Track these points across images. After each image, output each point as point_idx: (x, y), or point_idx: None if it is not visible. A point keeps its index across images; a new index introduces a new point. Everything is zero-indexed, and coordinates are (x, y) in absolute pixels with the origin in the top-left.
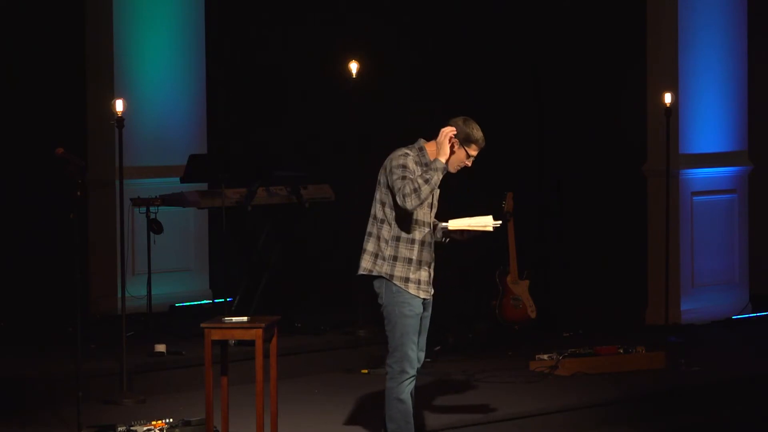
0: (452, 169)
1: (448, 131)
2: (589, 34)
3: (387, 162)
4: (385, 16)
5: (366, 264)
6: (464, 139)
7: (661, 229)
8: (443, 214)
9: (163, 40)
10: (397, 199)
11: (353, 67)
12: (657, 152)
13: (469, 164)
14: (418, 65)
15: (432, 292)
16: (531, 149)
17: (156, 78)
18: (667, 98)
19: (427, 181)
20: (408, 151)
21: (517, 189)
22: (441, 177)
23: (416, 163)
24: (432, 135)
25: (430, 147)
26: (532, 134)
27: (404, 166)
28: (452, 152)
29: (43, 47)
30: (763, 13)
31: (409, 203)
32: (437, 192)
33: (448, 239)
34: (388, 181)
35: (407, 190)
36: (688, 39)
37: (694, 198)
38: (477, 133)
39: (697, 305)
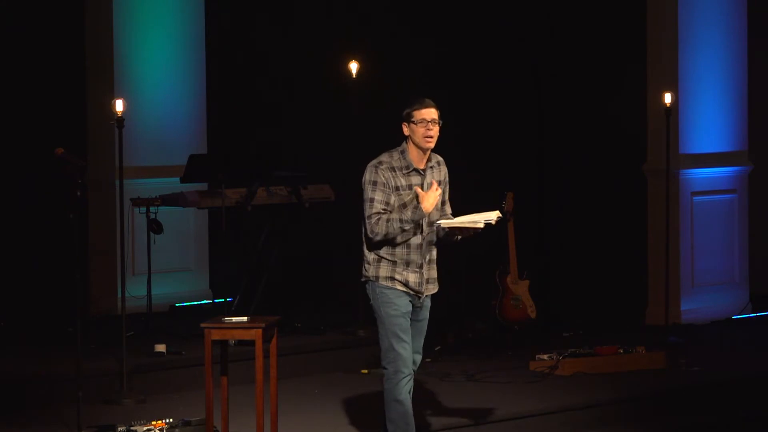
0: (424, 145)
1: (419, 131)
2: (589, 34)
3: (365, 169)
4: (386, 17)
5: (363, 270)
6: (406, 117)
7: (661, 229)
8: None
9: (163, 40)
10: (366, 226)
11: (353, 67)
12: (657, 152)
13: (432, 132)
14: (418, 65)
15: (430, 291)
16: (531, 149)
17: (156, 78)
18: (667, 98)
19: (402, 229)
20: (383, 159)
21: (517, 189)
22: (417, 224)
23: (393, 168)
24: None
25: (410, 147)
26: (532, 134)
27: (374, 183)
28: (409, 135)
29: (43, 47)
30: (763, 13)
31: (375, 238)
32: (438, 192)
33: (458, 237)
34: None
35: (379, 229)
36: (688, 39)
37: (694, 198)
38: (412, 102)
39: (697, 305)
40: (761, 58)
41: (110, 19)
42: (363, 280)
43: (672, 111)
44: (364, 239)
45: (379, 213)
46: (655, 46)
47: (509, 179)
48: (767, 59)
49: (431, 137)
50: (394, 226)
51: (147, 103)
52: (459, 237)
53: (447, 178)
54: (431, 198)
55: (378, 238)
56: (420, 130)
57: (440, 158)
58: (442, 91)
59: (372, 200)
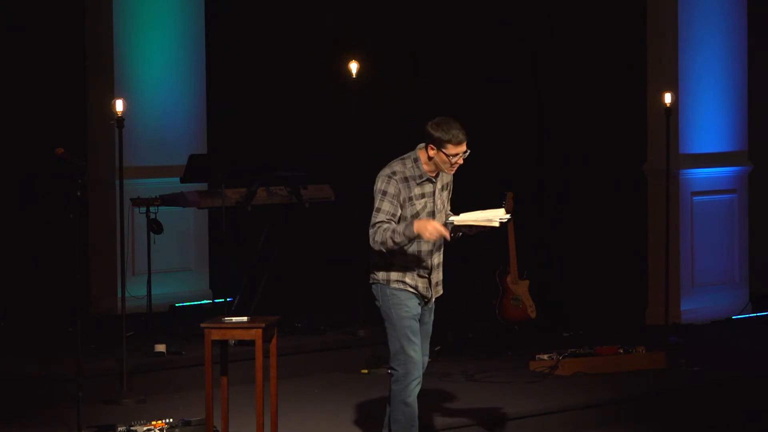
0: (446, 172)
1: (437, 233)
2: (589, 34)
3: (377, 177)
4: (385, 17)
5: (371, 273)
6: (436, 142)
7: (661, 229)
8: (456, 210)
9: (163, 40)
10: (370, 234)
11: (353, 67)
12: (657, 152)
13: (459, 161)
14: (418, 65)
15: (437, 294)
16: (531, 149)
17: (156, 78)
18: (667, 98)
19: (396, 243)
20: (396, 169)
21: (517, 189)
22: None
23: (406, 179)
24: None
25: (424, 156)
26: (532, 134)
27: (384, 192)
28: (433, 158)
29: (43, 47)
30: (763, 13)
31: (376, 248)
32: (444, 194)
33: (461, 233)
34: None
35: (378, 237)
36: (688, 39)
37: (694, 198)
38: (447, 133)
39: (697, 305)
40: (761, 58)
41: (110, 19)
42: (371, 282)
43: (672, 111)
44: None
45: (382, 222)
46: (655, 46)
47: (509, 179)
48: (767, 59)
49: (454, 169)
50: (387, 236)
51: (147, 103)
52: (461, 234)
53: (451, 184)
54: (429, 228)
55: (376, 247)
56: (448, 161)
57: None
58: (442, 92)
59: (379, 210)
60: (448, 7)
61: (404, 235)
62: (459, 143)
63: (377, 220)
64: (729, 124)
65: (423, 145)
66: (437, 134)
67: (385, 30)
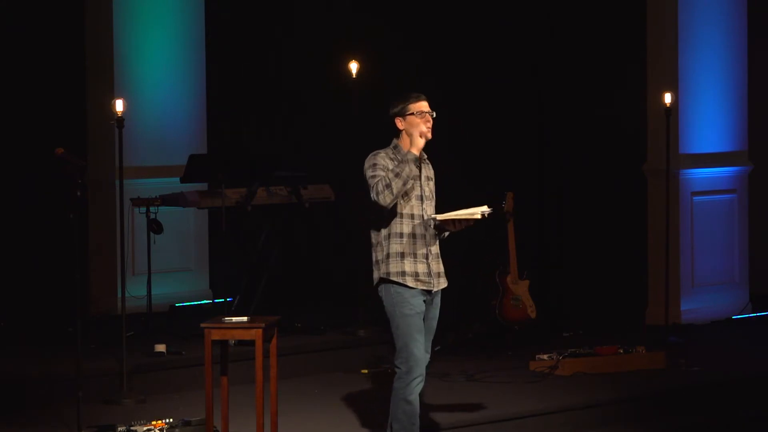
0: (423, 136)
1: (417, 122)
2: (589, 34)
3: (365, 165)
4: (385, 16)
5: (374, 275)
6: (401, 113)
7: (661, 229)
8: (444, 210)
9: (163, 40)
10: (372, 196)
11: (353, 67)
12: (657, 152)
13: (430, 121)
14: (418, 66)
15: (441, 285)
16: (531, 149)
17: (156, 78)
18: (667, 98)
19: (398, 175)
20: (379, 151)
21: (517, 189)
22: (414, 167)
23: (390, 159)
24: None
25: (403, 142)
26: (532, 134)
27: (374, 165)
28: (405, 129)
29: (43, 47)
30: (763, 13)
31: (383, 200)
32: (431, 184)
33: (447, 233)
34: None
35: (380, 187)
36: (688, 39)
37: (694, 198)
38: (405, 99)
39: (697, 305)
40: (761, 58)
41: (110, 19)
42: (375, 284)
43: (672, 111)
44: (374, 241)
45: (377, 177)
46: (655, 46)
47: (509, 179)
48: (767, 59)
49: (430, 128)
50: (389, 176)
51: (147, 103)
52: (447, 234)
53: (433, 180)
54: (413, 131)
55: (383, 197)
56: (417, 124)
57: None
58: (443, 91)
59: (374, 176)
60: (449, 7)
61: (403, 159)
62: (418, 101)
63: (375, 180)
64: (729, 124)
65: (395, 138)
66: (398, 107)
67: (385, 30)
